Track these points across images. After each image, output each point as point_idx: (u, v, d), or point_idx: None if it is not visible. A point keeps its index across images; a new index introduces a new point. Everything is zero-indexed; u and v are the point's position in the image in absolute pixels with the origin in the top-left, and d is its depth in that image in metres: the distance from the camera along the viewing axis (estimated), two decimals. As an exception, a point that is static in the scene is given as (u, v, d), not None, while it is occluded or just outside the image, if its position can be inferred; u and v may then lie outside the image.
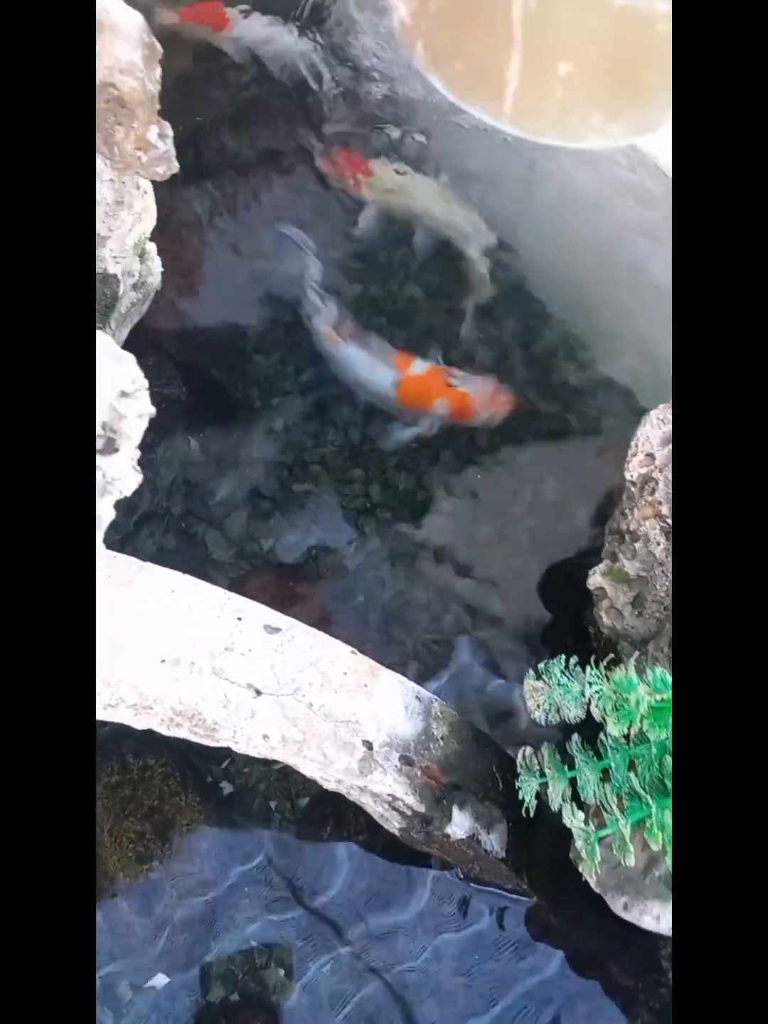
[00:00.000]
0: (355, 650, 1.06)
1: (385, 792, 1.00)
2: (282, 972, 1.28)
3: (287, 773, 1.33)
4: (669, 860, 0.87)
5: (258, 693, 0.96)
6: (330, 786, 1.02)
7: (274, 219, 1.91)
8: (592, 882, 0.98)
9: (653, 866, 0.99)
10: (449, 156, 1.95)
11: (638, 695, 0.89)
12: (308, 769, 0.99)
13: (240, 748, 0.95)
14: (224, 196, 1.94)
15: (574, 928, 1.20)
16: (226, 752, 1.35)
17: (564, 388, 1.75)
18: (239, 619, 0.98)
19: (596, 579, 1.27)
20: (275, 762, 1.34)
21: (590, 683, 0.99)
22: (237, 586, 1.51)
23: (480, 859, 1.09)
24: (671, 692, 0.88)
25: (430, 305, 1.85)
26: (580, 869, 0.95)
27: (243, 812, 1.37)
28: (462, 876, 1.17)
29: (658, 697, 0.87)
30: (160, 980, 1.28)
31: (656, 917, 0.94)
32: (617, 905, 0.97)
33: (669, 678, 0.89)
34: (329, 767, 0.97)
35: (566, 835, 1.09)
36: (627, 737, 0.99)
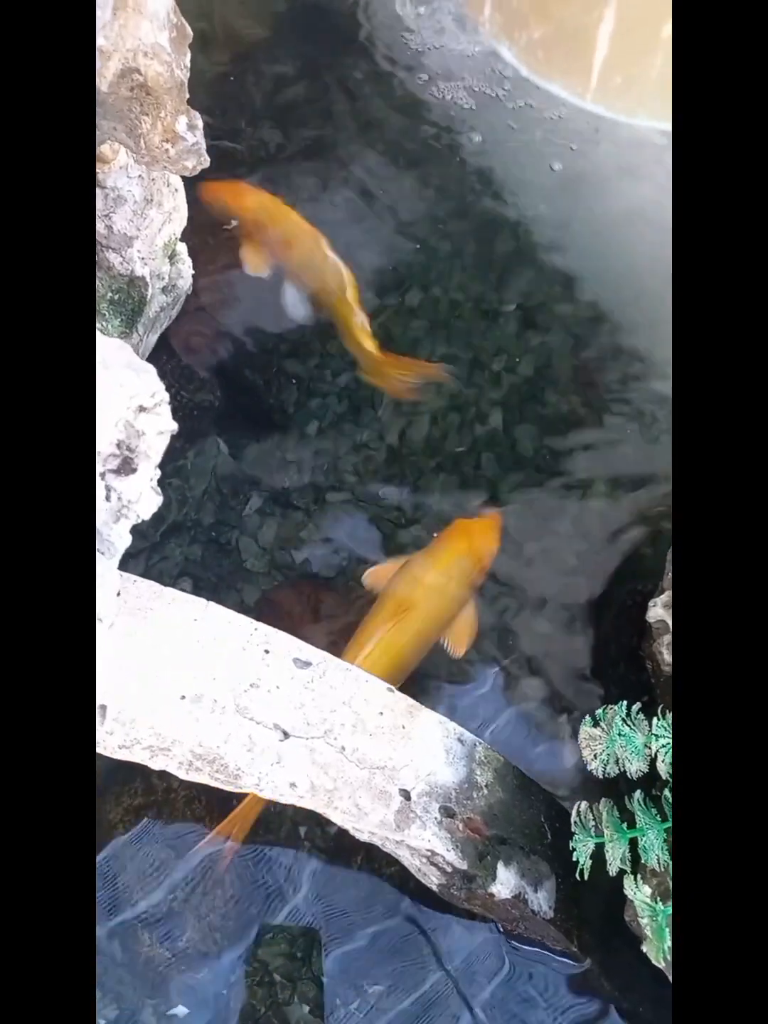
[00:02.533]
0: (392, 687, 0.97)
1: (424, 847, 0.90)
2: (306, 1008, 1.21)
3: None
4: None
5: (286, 735, 0.87)
6: (363, 838, 0.93)
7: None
8: (660, 965, 0.87)
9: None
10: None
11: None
12: (340, 820, 0.90)
13: (265, 795, 0.86)
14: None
15: (628, 994, 1.09)
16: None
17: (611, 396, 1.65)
18: (266, 652, 0.90)
19: (657, 611, 1.16)
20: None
21: (656, 736, 0.88)
22: (267, 598, 1.44)
23: (526, 919, 0.99)
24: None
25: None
26: (645, 949, 0.84)
27: (271, 838, 1.29)
28: (503, 931, 1.07)
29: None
30: (181, 1010, 1.22)
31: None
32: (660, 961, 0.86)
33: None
34: (363, 819, 0.88)
35: (620, 892, 0.98)
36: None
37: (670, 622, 1.16)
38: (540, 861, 1.00)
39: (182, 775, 0.84)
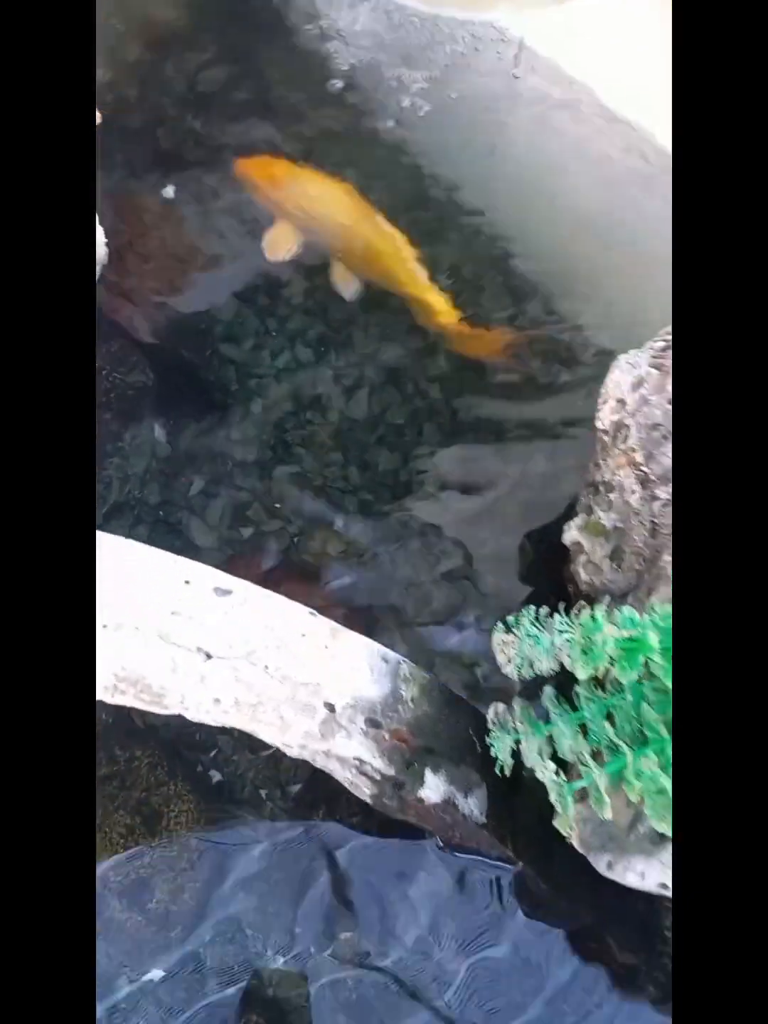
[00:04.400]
0: (314, 612, 1.02)
1: (351, 755, 0.95)
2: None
3: (277, 761, 1.29)
4: (649, 813, 0.81)
5: (208, 657, 0.91)
6: (293, 752, 0.97)
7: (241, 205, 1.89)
8: (572, 839, 0.93)
9: (636, 823, 0.93)
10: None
11: (605, 635, 0.84)
12: (267, 734, 0.95)
13: (190, 714, 0.90)
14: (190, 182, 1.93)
15: (564, 897, 1.14)
16: (212, 741, 1.33)
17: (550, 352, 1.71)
18: (187, 582, 0.94)
19: (572, 534, 1.22)
20: (263, 750, 1.31)
21: (560, 631, 0.93)
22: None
23: (459, 825, 1.04)
24: (642, 630, 0.83)
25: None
26: (556, 824, 0.89)
27: (233, 800, 1.32)
28: (442, 844, 1.11)
29: (625, 634, 0.82)
30: (155, 973, 1.24)
31: (640, 873, 0.89)
32: (601, 865, 0.92)
33: (637, 616, 0.84)
34: (288, 731, 0.92)
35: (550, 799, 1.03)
36: (602, 686, 0.94)
37: (584, 544, 1.22)
38: (469, 770, 1.05)
39: (108, 699, 0.88)
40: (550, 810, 1.06)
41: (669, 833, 0.80)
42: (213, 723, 0.93)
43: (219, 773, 1.33)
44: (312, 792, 1.30)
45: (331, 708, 0.94)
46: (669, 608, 0.83)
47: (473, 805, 1.03)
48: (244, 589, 0.96)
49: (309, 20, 1.98)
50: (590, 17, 1.81)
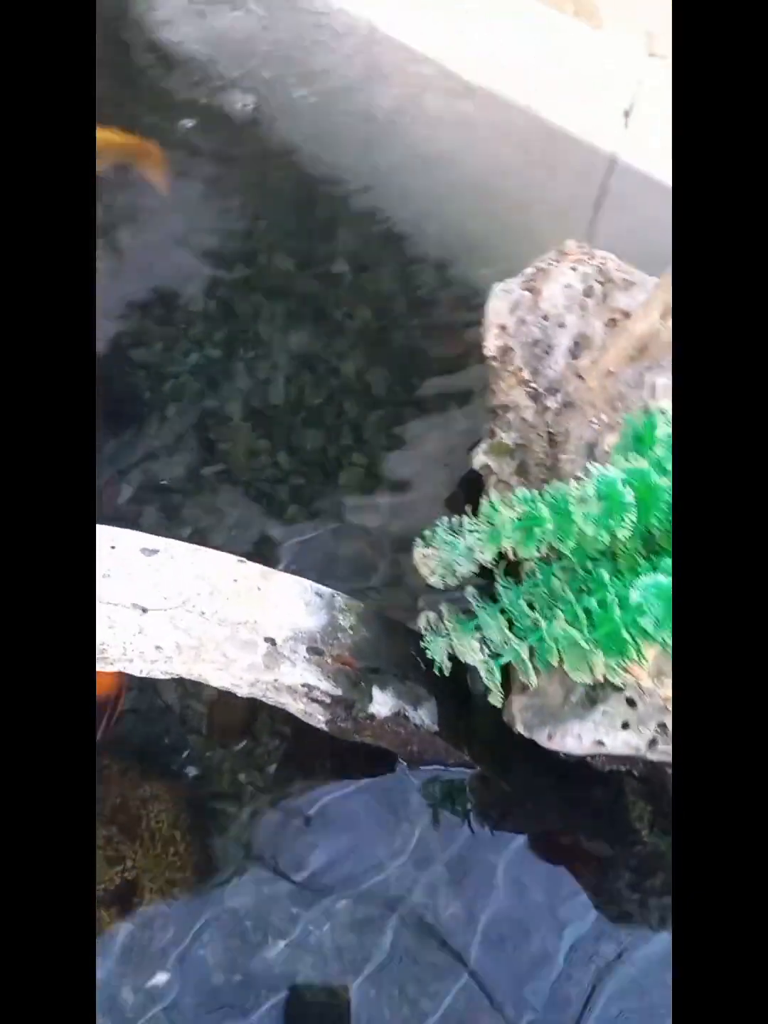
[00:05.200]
0: (242, 559, 1.07)
1: (299, 683, 1.00)
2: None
3: (250, 751, 1.32)
4: (568, 669, 0.88)
5: (144, 610, 0.96)
6: (243, 691, 1.02)
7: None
8: (515, 725, 0.99)
9: (568, 695, 1.00)
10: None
11: (503, 517, 0.91)
12: (214, 677, 0.99)
13: (134, 667, 0.94)
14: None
15: (527, 794, 1.20)
16: (183, 742, 1.35)
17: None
18: (113, 547, 0.98)
19: (480, 458, 1.30)
20: (235, 739, 1.34)
21: (470, 531, 1.00)
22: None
23: (415, 737, 1.09)
24: (535, 506, 0.90)
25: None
26: (491, 701, 0.96)
27: (212, 792, 1.35)
28: (407, 763, 1.17)
29: (519, 510, 0.89)
30: (161, 978, 1.24)
31: (577, 736, 0.95)
32: (542, 739, 0.98)
33: (528, 493, 0.91)
34: (232, 666, 0.97)
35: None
36: (517, 577, 1.01)
37: (492, 465, 1.30)
38: (415, 685, 1.11)
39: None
40: (498, 712, 1.13)
41: (589, 681, 0.87)
42: (159, 675, 0.97)
43: (194, 767, 1.36)
44: (288, 769, 1.34)
45: (272, 642, 0.99)
46: (560, 486, 0.90)
47: (424, 716, 1.09)
48: (169, 546, 1.01)
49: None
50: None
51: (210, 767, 1.37)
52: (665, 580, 0.78)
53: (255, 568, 1.06)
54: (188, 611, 0.97)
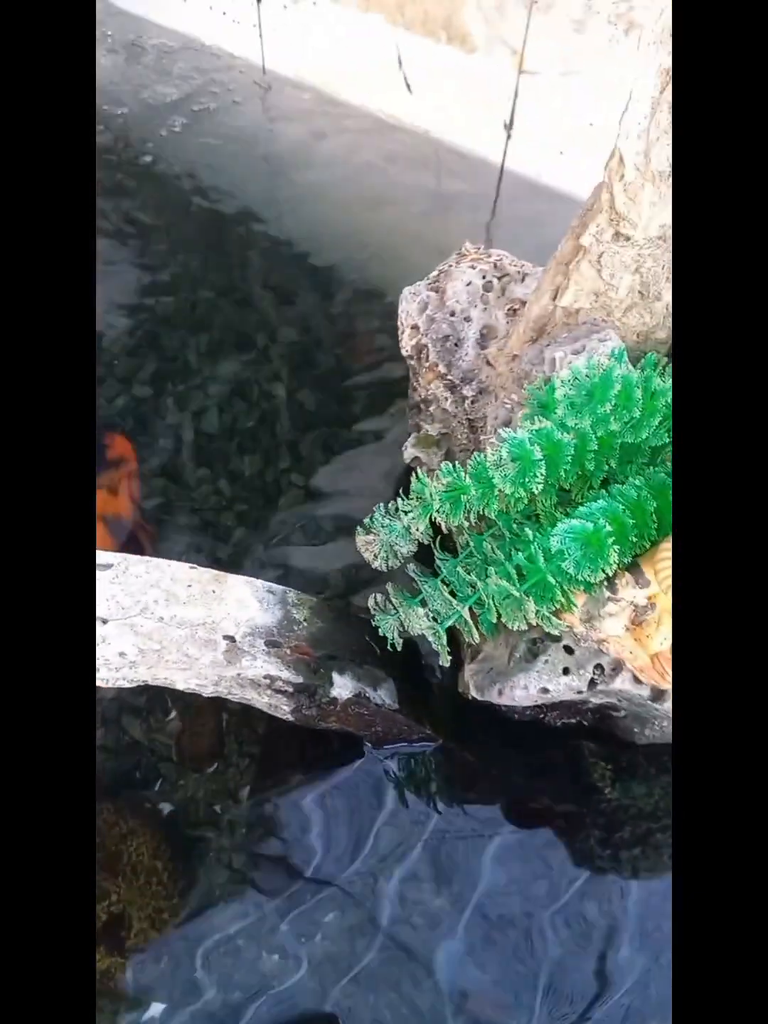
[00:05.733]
0: (194, 565, 1.12)
1: (261, 675, 1.05)
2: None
3: (221, 774, 1.35)
4: (506, 619, 0.96)
5: (104, 621, 1.00)
6: (209, 690, 1.06)
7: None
8: (469, 690, 1.06)
9: (512, 653, 1.08)
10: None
11: (431, 489, 0.99)
12: (179, 679, 1.03)
13: (100, 676, 0.98)
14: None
15: (490, 763, 1.26)
16: (155, 773, 1.37)
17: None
18: (69, 565, 1.02)
19: (409, 451, 1.38)
20: (205, 766, 1.37)
21: (405, 512, 1.08)
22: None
23: (378, 717, 1.15)
24: (458, 476, 0.98)
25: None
26: (441, 662, 1.02)
27: (190, 823, 1.35)
28: (373, 745, 1.22)
29: (444, 482, 0.97)
30: (156, 1008, 1.24)
31: (524, 687, 1.02)
32: (494, 696, 1.05)
33: (450, 466, 0.99)
34: (195, 664, 1.01)
35: (455, 681, 1.17)
36: (453, 551, 1.09)
37: (421, 456, 1.38)
38: (373, 668, 1.17)
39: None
40: (453, 686, 1.19)
41: (525, 626, 0.95)
42: (125, 683, 1.01)
43: (169, 803, 1.38)
44: (262, 783, 1.37)
45: (231, 639, 1.04)
46: (479, 456, 0.98)
47: (384, 695, 1.14)
48: (123, 560, 1.05)
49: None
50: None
51: (185, 795, 1.39)
52: (579, 524, 0.86)
53: (207, 573, 1.11)
54: (147, 617, 1.02)
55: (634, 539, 0.88)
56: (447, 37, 1.84)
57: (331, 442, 1.78)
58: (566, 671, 1.02)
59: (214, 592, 1.09)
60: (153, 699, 1.38)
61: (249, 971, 1.21)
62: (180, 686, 1.06)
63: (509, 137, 1.93)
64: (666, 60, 0.81)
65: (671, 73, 0.82)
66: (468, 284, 1.31)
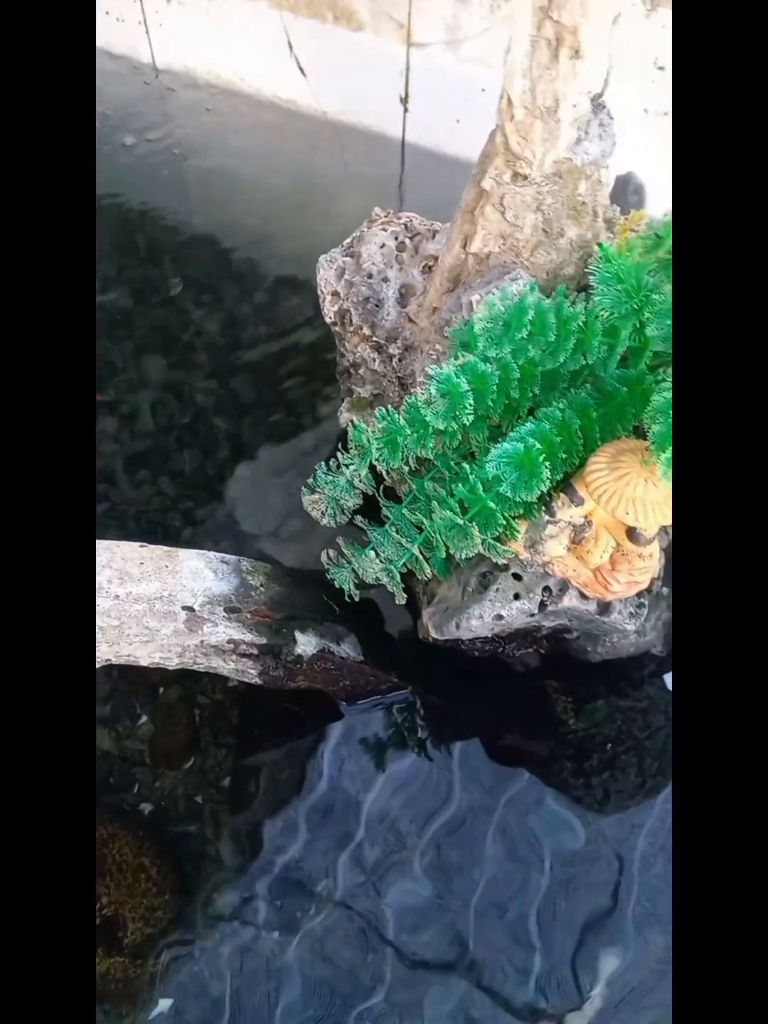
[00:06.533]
0: (144, 544, 1.13)
1: (224, 640, 1.07)
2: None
3: (199, 768, 1.35)
4: (452, 548, 0.99)
5: (61, 604, 1.00)
6: (173, 663, 1.08)
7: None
8: (429, 632, 1.10)
9: (464, 590, 1.12)
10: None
11: (368, 434, 1.02)
12: (142, 654, 1.04)
13: (65, 656, 0.98)
14: None
15: (456, 703, 1.30)
16: (129, 779, 1.37)
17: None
18: (17, 555, 1.02)
19: (344, 416, 1.40)
20: (182, 763, 1.36)
21: (346, 465, 1.10)
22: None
23: (345, 670, 1.17)
24: (394, 420, 1.01)
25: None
26: (398, 603, 1.06)
27: (174, 820, 1.34)
28: (346, 702, 1.24)
29: (380, 426, 1.00)
30: (165, 1004, 1.24)
31: (479, 616, 1.06)
32: (452, 630, 1.09)
33: (385, 410, 1.02)
34: (157, 636, 1.02)
35: (414, 630, 1.20)
36: (397, 498, 1.12)
37: (355, 419, 1.41)
38: (334, 625, 1.20)
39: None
40: (414, 632, 1.23)
41: (471, 555, 0.99)
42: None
43: (148, 804, 1.36)
44: (243, 776, 1.38)
45: (190, 609, 1.06)
46: (410, 398, 1.02)
47: (348, 649, 1.17)
48: (72, 545, 1.06)
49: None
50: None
51: (163, 794, 1.38)
52: (510, 447, 0.91)
53: (158, 549, 1.12)
54: (103, 597, 1.02)
55: (563, 456, 0.93)
56: (333, 17, 1.87)
57: (271, 427, 1.79)
58: (516, 596, 1.07)
59: (167, 566, 1.10)
60: (119, 707, 1.37)
61: (252, 956, 1.23)
62: (144, 662, 1.07)
63: (406, 111, 1.97)
64: (539, -1, 0.86)
65: (545, 17, 0.86)
66: (382, 246, 1.34)
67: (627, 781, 1.36)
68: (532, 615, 1.06)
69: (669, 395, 0.84)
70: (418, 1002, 1.18)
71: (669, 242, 0.97)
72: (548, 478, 0.91)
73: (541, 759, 1.35)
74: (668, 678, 1.38)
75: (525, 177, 1.01)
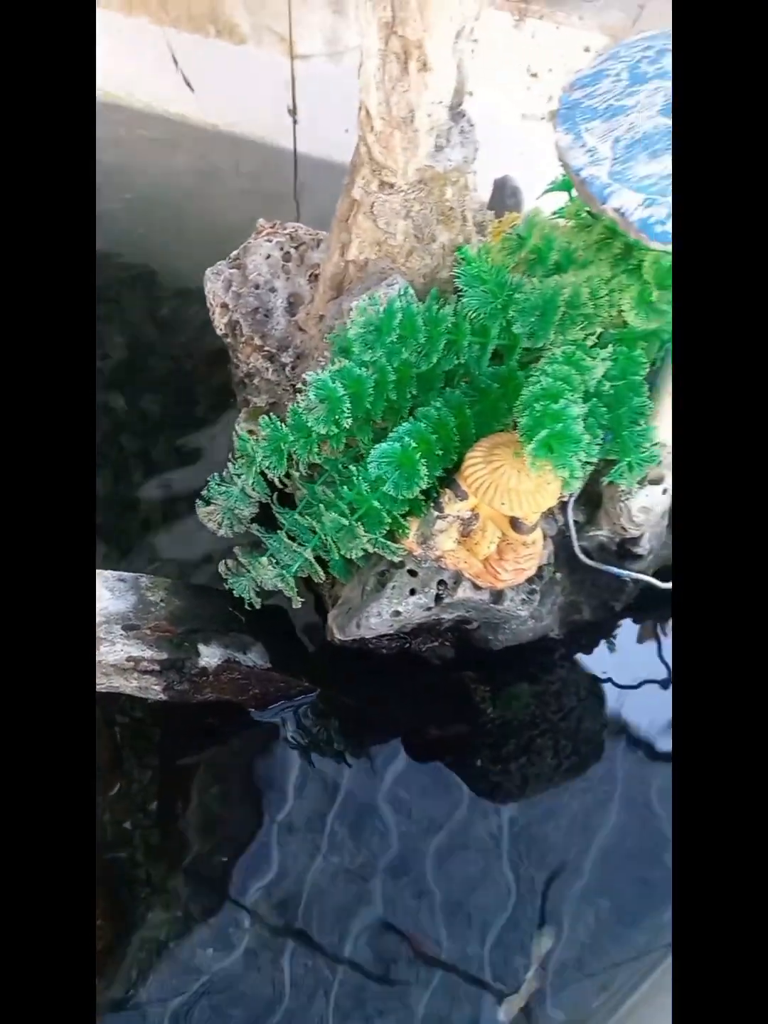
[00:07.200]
0: (37, 567, 1.11)
1: (123, 658, 1.06)
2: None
3: (125, 792, 1.32)
4: (343, 549, 1.01)
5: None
6: (73, 685, 1.06)
7: None
8: (333, 633, 1.11)
9: (363, 590, 1.14)
10: None
11: (253, 445, 1.03)
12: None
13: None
14: None
15: (367, 701, 1.32)
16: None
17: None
18: None
19: (242, 426, 1.41)
20: (109, 789, 1.34)
21: (237, 475, 1.11)
22: None
23: (253, 679, 1.18)
24: (277, 427, 1.02)
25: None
26: (294, 606, 1.07)
27: (103, 847, 1.30)
28: (256, 710, 1.25)
29: (265, 434, 1.01)
30: None
31: (378, 614, 1.08)
32: (353, 630, 1.11)
33: (266, 418, 1.03)
34: (51, 660, 1.01)
35: (318, 628, 1.21)
36: (291, 504, 1.13)
37: (253, 429, 1.42)
38: (239, 635, 1.20)
39: None
40: (324, 639, 1.24)
41: (362, 553, 1.01)
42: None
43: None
44: (168, 790, 1.36)
45: (86, 629, 1.04)
46: (295, 406, 1.03)
47: (255, 657, 1.18)
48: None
49: None
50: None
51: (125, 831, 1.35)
52: (388, 447, 0.93)
53: (51, 572, 1.10)
54: (-7, 625, 1.00)
55: (440, 453, 0.96)
56: (215, 31, 1.88)
57: (182, 444, 1.79)
58: (412, 592, 1.09)
59: (62, 589, 1.09)
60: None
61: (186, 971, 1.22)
62: (42, 686, 1.05)
63: (296, 122, 2.00)
64: (384, 14, 0.89)
65: (392, 29, 0.89)
66: (268, 257, 1.35)
67: (543, 764, 1.40)
68: (429, 609, 1.09)
69: (536, 388, 0.88)
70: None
71: (530, 241, 1.01)
72: (426, 476, 0.94)
73: (460, 740, 1.38)
74: (581, 660, 1.43)
75: (391, 185, 1.04)
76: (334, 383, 0.94)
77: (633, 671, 1.42)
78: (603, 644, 1.42)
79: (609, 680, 1.40)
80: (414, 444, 0.93)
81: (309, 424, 0.98)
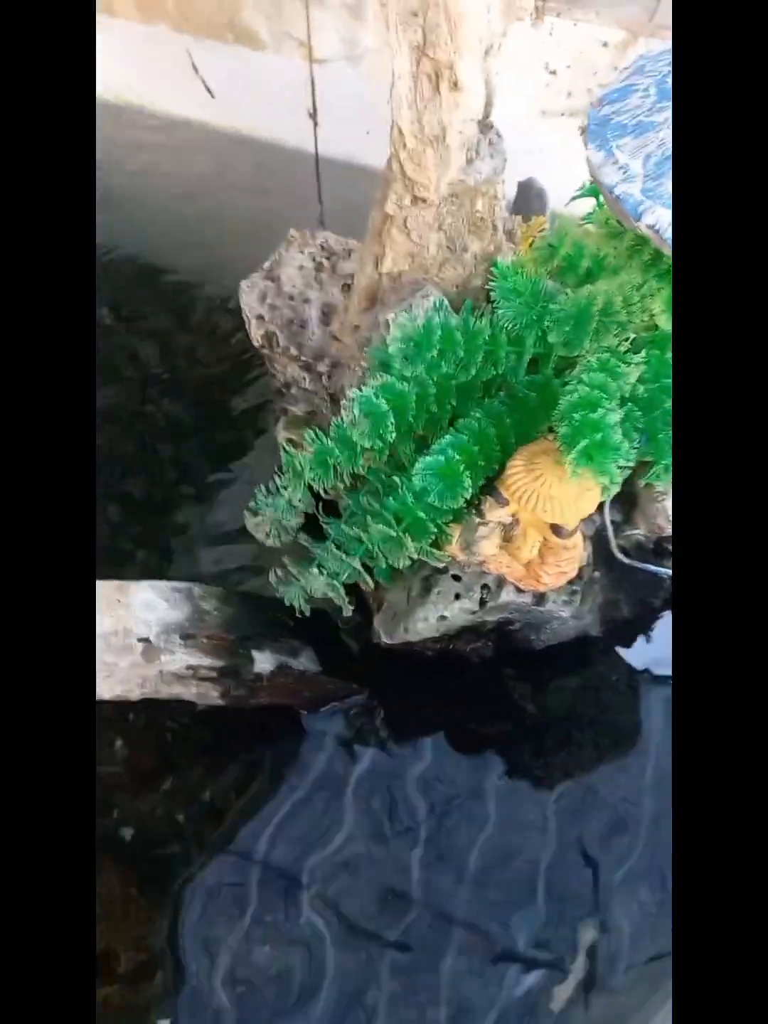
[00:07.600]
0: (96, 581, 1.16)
1: (183, 666, 1.11)
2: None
3: (177, 786, 1.36)
4: (388, 557, 1.05)
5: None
6: (136, 694, 1.11)
7: None
8: (380, 638, 1.15)
9: (409, 596, 1.17)
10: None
11: (301, 458, 1.07)
12: (104, 688, 1.08)
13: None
14: None
15: (413, 700, 1.36)
16: (109, 802, 1.38)
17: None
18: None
19: (282, 434, 1.45)
20: (160, 783, 1.39)
21: (284, 488, 1.15)
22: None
23: (304, 683, 1.22)
24: (323, 442, 1.06)
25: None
26: (344, 615, 1.11)
27: (155, 842, 1.35)
28: (307, 712, 1.29)
29: (311, 449, 1.05)
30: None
31: (424, 619, 1.12)
32: (401, 634, 1.14)
33: (312, 432, 1.07)
34: (116, 671, 1.06)
35: (366, 632, 1.25)
36: (337, 513, 1.17)
37: (293, 437, 1.45)
38: (290, 640, 1.24)
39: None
40: (368, 640, 1.28)
41: (409, 563, 1.05)
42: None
43: (129, 827, 1.38)
44: (222, 784, 1.41)
45: (145, 640, 1.10)
46: (339, 421, 1.07)
47: (306, 662, 1.22)
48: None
49: None
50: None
51: (142, 815, 1.41)
52: (433, 459, 0.96)
53: (109, 584, 1.15)
54: (60, 640, 1.06)
55: (482, 463, 0.99)
56: (234, 37, 1.90)
57: (216, 449, 1.82)
58: (457, 596, 1.13)
59: (119, 601, 1.14)
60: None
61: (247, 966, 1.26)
62: (107, 696, 1.11)
63: (316, 125, 2.01)
64: (414, 37, 0.91)
65: (421, 53, 0.91)
66: (300, 268, 1.38)
67: (582, 755, 1.43)
68: (473, 612, 1.13)
69: (574, 398, 0.90)
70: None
71: (562, 250, 1.03)
72: (470, 485, 0.97)
73: (502, 737, 1.41)
74: (624, 653, 1.46)
75: (424, 200, 1.07)
76: (377, 399, 0.98)
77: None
78: (641, 639, 1.45)
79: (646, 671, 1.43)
80: (457, 456, 0.96)
81: (354, 438, 1.01)
